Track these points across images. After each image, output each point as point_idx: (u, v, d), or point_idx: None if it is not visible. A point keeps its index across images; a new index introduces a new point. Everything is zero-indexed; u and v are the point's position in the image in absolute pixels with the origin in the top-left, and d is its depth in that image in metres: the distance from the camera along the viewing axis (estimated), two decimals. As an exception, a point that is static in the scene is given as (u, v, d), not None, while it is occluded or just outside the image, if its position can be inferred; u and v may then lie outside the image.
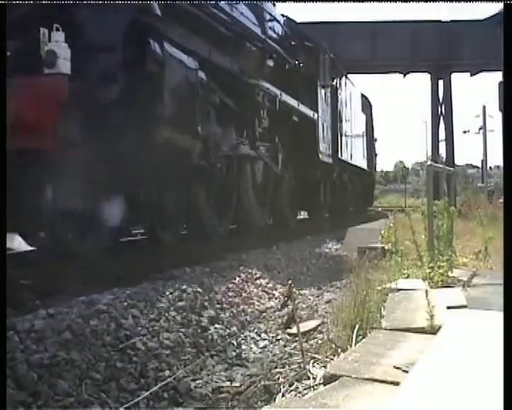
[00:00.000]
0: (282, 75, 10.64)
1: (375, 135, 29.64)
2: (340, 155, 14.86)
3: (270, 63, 10.11)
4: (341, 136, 15.41)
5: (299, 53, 12.16)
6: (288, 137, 10.88)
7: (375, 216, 22.98)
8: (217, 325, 4.54)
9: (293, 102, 10.48)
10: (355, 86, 19.21)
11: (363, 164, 20.35)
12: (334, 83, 14.57)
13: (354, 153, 17.85)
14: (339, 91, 15.24)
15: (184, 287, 4.89)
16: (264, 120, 9.19)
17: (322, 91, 12.95)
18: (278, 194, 10.75)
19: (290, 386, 3.20)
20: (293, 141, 11.14)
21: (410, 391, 2.22)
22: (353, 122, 18.00)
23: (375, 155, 37.38)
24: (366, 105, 22.53)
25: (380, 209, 28.25)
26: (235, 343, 4.37)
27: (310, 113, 11.61)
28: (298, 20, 14.02)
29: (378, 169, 41.84)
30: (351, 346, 3.36)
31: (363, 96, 21.73)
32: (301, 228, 12.89)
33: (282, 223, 11.89)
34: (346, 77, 17.14)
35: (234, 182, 8.69)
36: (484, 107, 33.56)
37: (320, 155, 12.19)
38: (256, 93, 8.72)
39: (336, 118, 14.55)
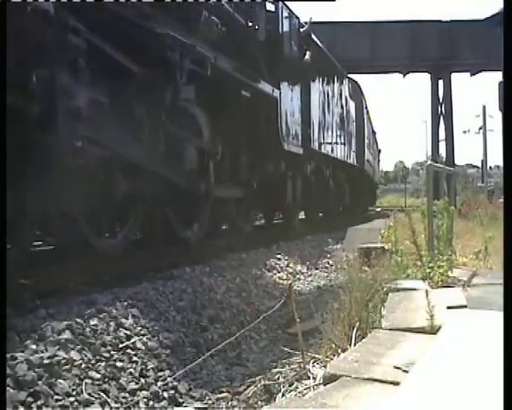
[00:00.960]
0: (229, 39, 7.88)
1: (374, 128, 27.96)
2: (315, 146, 12.24)
3: (207, 18, 6.87)
4: (319, 123, 12.82)
5: (257, 14, 9.28)
6: (232, 116, 8.04)
7: (373, 216, 22.86)
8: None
9: (239, 71, 7.83)
10: (340, 68, 16.31)
11: (350, 158, 17.47)
12: (306, 56, 11.56)
13: (338, 144, 15.22)
14: (313, 68, 12.12)
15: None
16: (186, 90, 6.35)
17: (289, 65, 10.29)
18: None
19: (290, 386, 3.20)
20: (241, 122, 8.41)
21: (410, 391, 2.22)
22: (336, 108, 15.15)
23: (378, 150, 34.35)
24: (356, 91, 19.52)
25: (379, 209, 28.21)
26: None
27: (268, 89, 8.94)
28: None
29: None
30: (350, 346, 3.36)
31: (351, 80, 18.93)
32: (254, 237, 9.28)
33: (233, 230, 9.03)
34: (327, 54, 14.48)
35: None
36: (484, 107, 33.59)
37: (284, 143, 9.65)
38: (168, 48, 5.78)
39: (308, 100, 11.78)
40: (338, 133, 15.27)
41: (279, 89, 9.42)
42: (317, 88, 12.88)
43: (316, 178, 13.22)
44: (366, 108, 22.50)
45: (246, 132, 8.68)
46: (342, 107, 16.31)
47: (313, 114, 12.25)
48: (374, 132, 27.21)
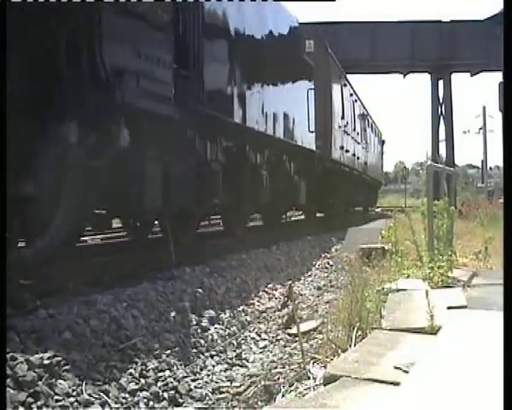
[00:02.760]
0: None
1: (366, 111, 22.42)
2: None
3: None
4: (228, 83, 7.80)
5: None
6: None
7: (373, 216, 22.48)
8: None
9: None
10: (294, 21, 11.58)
11: (302, 140, 11.86)
12: None
13: (271, 119, 9.67)
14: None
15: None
16: None
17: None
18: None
19: (290, 386, 3.20)
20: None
21: (410, 392, 2.22)
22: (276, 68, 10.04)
23: (381, 141, 29.64)
24: (320, 50, 14.45)
25: (379, 210, 28.18)
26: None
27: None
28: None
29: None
30: (350, 346, 3.36)
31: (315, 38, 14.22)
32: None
33: None
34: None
35: None
36: (484, 107, 33.65)
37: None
38: None
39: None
40: (272, 106, 9.63)
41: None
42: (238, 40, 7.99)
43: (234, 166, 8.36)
44: (343, 78, 17.41)
45: None
46: (289, 68, 10.99)
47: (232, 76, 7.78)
48: (364, 115, 21.61)
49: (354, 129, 18.79)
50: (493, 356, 2.33)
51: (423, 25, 25.59)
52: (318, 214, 16.46)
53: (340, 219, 16.00)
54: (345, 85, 17.37)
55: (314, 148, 12.84)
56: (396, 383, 2.36)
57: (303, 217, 17.08)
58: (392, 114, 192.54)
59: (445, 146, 26.95)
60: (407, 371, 2.48)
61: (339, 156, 15.64)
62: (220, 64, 7.47)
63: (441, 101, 26.80)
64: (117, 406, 3.06)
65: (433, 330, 3.16)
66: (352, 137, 18.38)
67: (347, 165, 17.23)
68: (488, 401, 2.05)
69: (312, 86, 12.84)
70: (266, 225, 12.38)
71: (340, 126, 15.83)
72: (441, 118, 26.88)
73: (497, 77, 25.38)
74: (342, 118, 16.28)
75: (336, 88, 15.87)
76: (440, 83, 26.80)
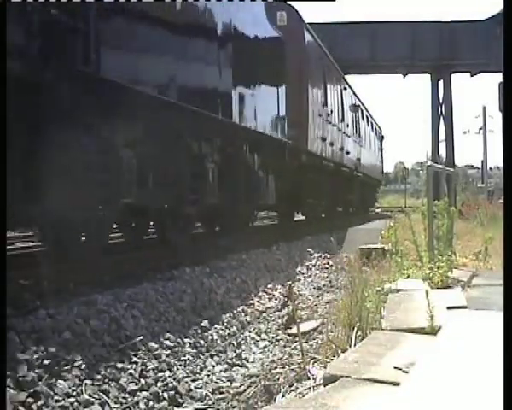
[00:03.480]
0: None
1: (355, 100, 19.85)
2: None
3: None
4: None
5: None
6: None
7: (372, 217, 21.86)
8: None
9: None
10: None
11: (265, 127, 9.75)
12: None
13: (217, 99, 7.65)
14: None
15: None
16: None
17: None
18: None
19: (290, 386, 3.20)
20: None
21: (410, 392, 2.22)
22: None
23: (380, 136, 27.70)
24: (291, 18, 11.89)
25: (379, 210, 28.15)
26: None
27: None
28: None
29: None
30: (350, 346, 3.36)
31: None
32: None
33: None
34: None
35: None
36: (484, 107, 33.61)
37: None
38: None
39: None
40: (221, 82, 7.65)
41: None
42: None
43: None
44: (325, 59, 15.03)
45: None
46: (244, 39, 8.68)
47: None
48: (356, 106, 19.38)
49: (342, 120, 16.48)
50: (493, 356, 2.34)
51: (423, 25, 25.58)
52: (300, 217, 15.00)
53: (325, 221, 14.46)
54: (329, 69, 14.91)
55: (285, 137, 10.58)
56: (396, 384, 2.35)
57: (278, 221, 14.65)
58: (393, 115, 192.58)
59: (445, 146, 26.94)
60: (407, 372, 2.48)
61: (319, 149, 13.29)
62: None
63: (441, 101, 26.77)
64: (117, 406, 3.06)
65: (433, 331, 3.16)
66: (340, 129, 16.01)
67: (332, 160, 14.91)
68: (488, 401, 2.05)
69: (283, 63, 10.53)
70: (224, 230, 9.43)
71: (320, 115, 13.38)
72: (441, 118, 26.86)
73: (498, 77, 25.40)
74: (324, 105, 14.11)
75: (316, 69, 13.36)
76: (440, 83, 26.79)
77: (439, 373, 2.39)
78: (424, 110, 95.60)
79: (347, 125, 17.60)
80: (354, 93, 19.93)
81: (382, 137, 29.90)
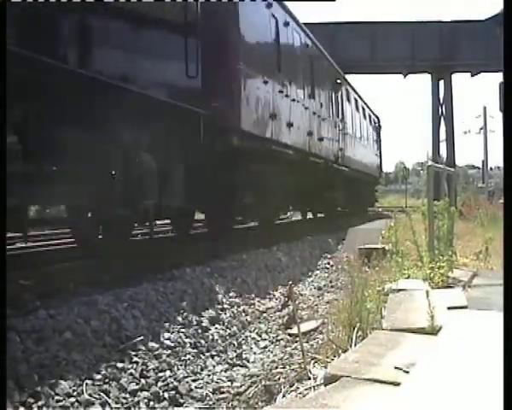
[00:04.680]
0: None
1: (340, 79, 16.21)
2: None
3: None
4: None
5: None
6: None
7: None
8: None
9: None
10: None
11: (175, 93, 6.60)
12: None
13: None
14: None
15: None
16: None
17: None
18: None
19: (291, 386, 3.20)
20: None
21: (410, 392, 2.22)
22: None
23: (376, 126, 24.17)
24: None
25: (380, 210, 28.16)
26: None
27: None
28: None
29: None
30: (351, 346, 3.36)
31: None
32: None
33: None
34: None
35: None
36: (484, 107, 33.62)
37: None
38: None
39: None
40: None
41: None
42: None
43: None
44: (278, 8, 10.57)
45: None
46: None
47: None
48: (339, 85, 15.91)
49: (311, 97, 12.56)
50: (493, 356, 2.34)
51: (424, 25, 25.60)
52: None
53: (285, 229, 11.73)
54: (286, 24, 10.74)
55: (198, 107, 6.91)
56: (396, 384, 2.35)
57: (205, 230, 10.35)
58: (393, 115, 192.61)
59: (445, 146, 26.95)
60: (407, 372, 2.48)
61: (264, 130, 9.36)
62: None
63: (442, 101, 26.78)
64: (117, 406, 3.06)
65: (433, 331, 3.16)
66: (307, 108, 12.11)
67: (292, 146, 10.84)
68: (488, 401, 2.05)
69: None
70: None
71: (266, 82, 9.26)
72: (442, 118, 26.87)
73: (498, 77, 25.39)
74: (277, 70, 9.97)
75: (258, 15, 9.57)
76: (441, 83, 26.79)
77: (440, 373, 2.39)
78: (425, 110, 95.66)
79: (321, 105, 13.53)
80: (337, 70, 16.20)
81: (379, 127, 25.66)
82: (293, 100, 10.98)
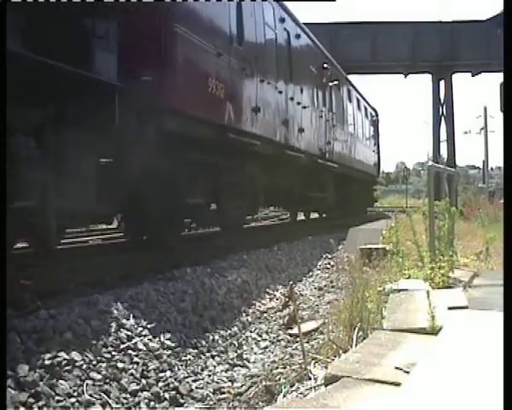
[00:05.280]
0: None
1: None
2: None
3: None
4: None
5: None
6: None
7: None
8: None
9: None
10: None
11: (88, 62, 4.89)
12: None
13: None
14: None
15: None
16: None
17: None
18: None
19: (291, 386, 3.20)
20: None
21: (411, 392, 2.22)
22: None
23: (374, 121, 21.80)
24: None
25: (381, 210, 28.16)
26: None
27: None
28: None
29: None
30: (351, 347, 3.36)
31: None
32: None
33: None
34: None
35: None
36: (485, 108, 33.61)
37: None
38: None
39: None
40: None
41: None
42: None
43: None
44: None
45: None
46: None
47: None
48: (325, 69, 13.78)
49: (288, 80, 10.64)
50: (494, 356, 2.33)
51: (424, 25, 25.60)
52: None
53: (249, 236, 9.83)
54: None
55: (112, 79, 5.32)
56: (397, 384, 2.35)
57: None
58: (394, 115, 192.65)
59: (446, 146, 26.94)
60: (408, 372, 2.48)
61: (215, 113, 7.44)
62: None
63: (442, 101, 26.77)
64: (118, 406, 3.06)
65: (434, 331, 3.16)
66: (281, 92, 10.19)
67: (260, 136, 9.03)
68: (488, 401, 2.04)
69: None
70: None
71: (219, 54, 7.42)
72: (442, 118, 26.86)
73: (499, 77, 25.38)
74: (236, 41, 8.16)
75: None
76: (441, 83, 26.78)
77: (440, 373, 2.38)
78: (425, 110, 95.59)
79: (301, 91, 11.66)
80: (324, 53, 14.44)
81: (376, 121, 23.56)
82: (262, 81, 9.10)
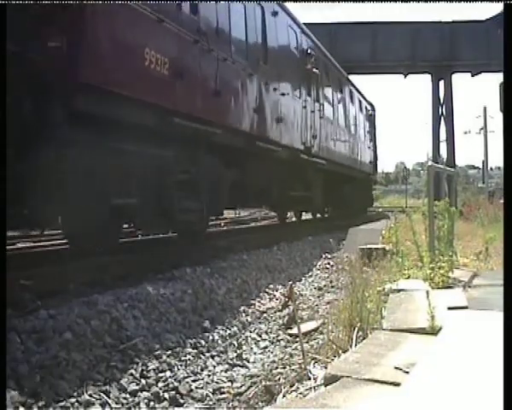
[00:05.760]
0: None
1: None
2: None
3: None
4: None
5: None
6: None
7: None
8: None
9: None
10: None
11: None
12: None
13: None
14: None
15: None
16: None
17: None
18: None
19: (291, 387, 3.20)
20: None
21: (410, 392, 2.22)
22: None
23: (368, 113, 20.52)
24: None
25: (381, 210, 28.17)
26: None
27: None
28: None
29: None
30: (351, 347, 3.36)
31: None
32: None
33: None
34: None
35: None
36: (485, 108, 33.59)
37: None
38: None
39: None
40: None
41: None
42: None
43: None
44: None
45: None
46: None
47: None
48: (308, 54, 12.15)
49: (261, 62, 9.26)
50: (493, 357, 2.33)
51: (424, 25, 25.61)
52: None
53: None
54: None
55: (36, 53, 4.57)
56: (396, 384, 2.36)
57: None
58: (394, 115, 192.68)
59: (445, 146, 26.95)
60: (407, 372, 2.48)
61: (155, 93, 5.97)
62: None
63: (442, 101, 26.79)
64: (118, 406, 3.06)
65: (433, 331, 3.16)
66: (252, 75, 8.82)
67: (223, 125, 7.68)
68: (488, 401, 2.04)
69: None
70: None
71: (161, 21, 5.97)
72: (442, 118, 26.87)
73: (498, 77, 25.38)
74: (189, 10, 6.65)
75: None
76: (441, 83, 26.79)
77: (440, 374, 2.39)
78: (425, 110, 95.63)
79: (279, 77, 10.21)
80: (310, 36, 12.78)
81: (372, 116, 22.27)
82: (225, 59, 7.61)
